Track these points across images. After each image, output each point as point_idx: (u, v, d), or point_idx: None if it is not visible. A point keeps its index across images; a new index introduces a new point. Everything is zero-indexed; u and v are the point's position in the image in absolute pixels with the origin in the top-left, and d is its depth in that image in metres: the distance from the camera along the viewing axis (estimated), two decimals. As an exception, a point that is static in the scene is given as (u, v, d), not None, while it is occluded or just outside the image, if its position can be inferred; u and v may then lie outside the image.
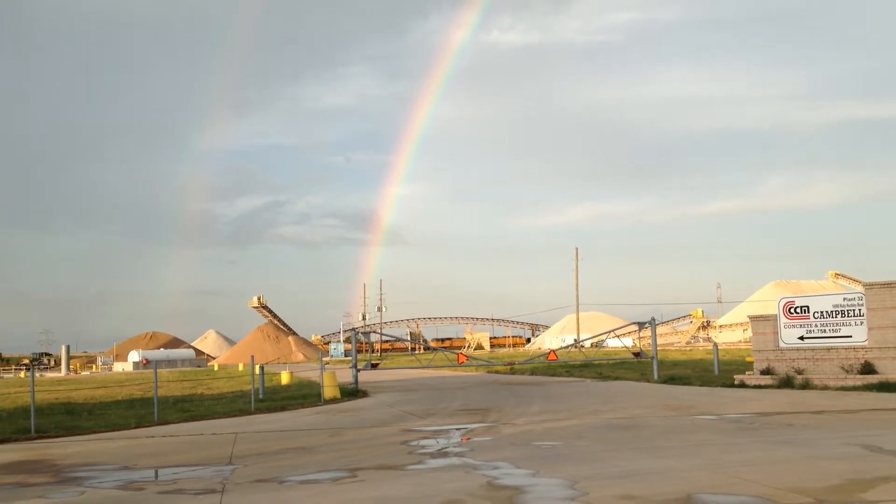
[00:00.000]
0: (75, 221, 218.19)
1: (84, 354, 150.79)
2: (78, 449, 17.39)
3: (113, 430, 20.85)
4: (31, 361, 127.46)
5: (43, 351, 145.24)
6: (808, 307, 27.68)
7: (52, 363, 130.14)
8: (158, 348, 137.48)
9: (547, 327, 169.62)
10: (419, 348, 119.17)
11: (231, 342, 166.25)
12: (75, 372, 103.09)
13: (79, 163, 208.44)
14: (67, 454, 16.56)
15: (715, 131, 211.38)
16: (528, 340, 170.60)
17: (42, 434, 20.08)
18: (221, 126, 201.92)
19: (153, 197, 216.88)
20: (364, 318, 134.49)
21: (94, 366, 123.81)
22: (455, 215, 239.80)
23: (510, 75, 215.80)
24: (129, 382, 52.23)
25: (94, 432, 20.56)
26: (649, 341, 38.11)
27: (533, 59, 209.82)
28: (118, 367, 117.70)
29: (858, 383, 24.91)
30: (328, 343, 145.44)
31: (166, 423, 22.24)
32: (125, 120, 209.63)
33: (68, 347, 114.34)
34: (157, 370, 26.50)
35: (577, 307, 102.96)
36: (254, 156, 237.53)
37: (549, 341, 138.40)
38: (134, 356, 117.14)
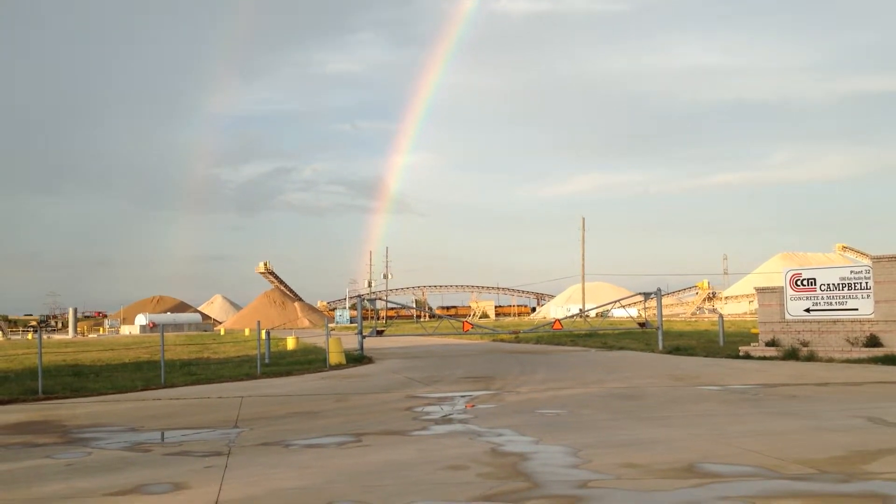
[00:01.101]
0: (82, 185, 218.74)
1: (93, 315, 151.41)
2: (85, 410, 17.52)
3: (120, 393, 20.99)
4: (38, 323, 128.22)
5: (50, 313, 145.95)
6: (814, 279, 27.63)
7: (60, 325, 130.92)
8: (165, 312, 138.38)
9: (552, 297, 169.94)
10: (424, 316, 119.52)
11: (237, 307, 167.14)
12: (82, 334, 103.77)
13: (85, 127, 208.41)
14: (75, 415, 16.68)
15: (723, 103, 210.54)
16: (534, 310, 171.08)
17: (49, 395, 20.22)
18: (228, 91, 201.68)
19: (160, 161, 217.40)
20: (370, 286, 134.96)
21: (101, 328, 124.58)
22: (461, 184, 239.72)
23: (518, 44, 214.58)
24: (136, 345, 52.56)
25: (102, 394, 20.69)
26: (654, 312, 38.13)
27: (541, 28, 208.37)
28: (125, 330, 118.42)
29: (864, 356, 24.92)
30: (334, 309, 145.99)
31: (173, 386, 22.38)
32: (132, 84, 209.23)
33: (76, 310, 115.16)
34: (164, 334, 26.62)
35: (583, 277, 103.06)
36: (260, 122, 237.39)
37: (555, 311, 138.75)
38: (141, 319, 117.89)
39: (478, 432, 12.90)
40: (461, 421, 14.42)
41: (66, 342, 70.30)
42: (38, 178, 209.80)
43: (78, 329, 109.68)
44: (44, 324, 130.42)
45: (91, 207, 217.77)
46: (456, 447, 11.57)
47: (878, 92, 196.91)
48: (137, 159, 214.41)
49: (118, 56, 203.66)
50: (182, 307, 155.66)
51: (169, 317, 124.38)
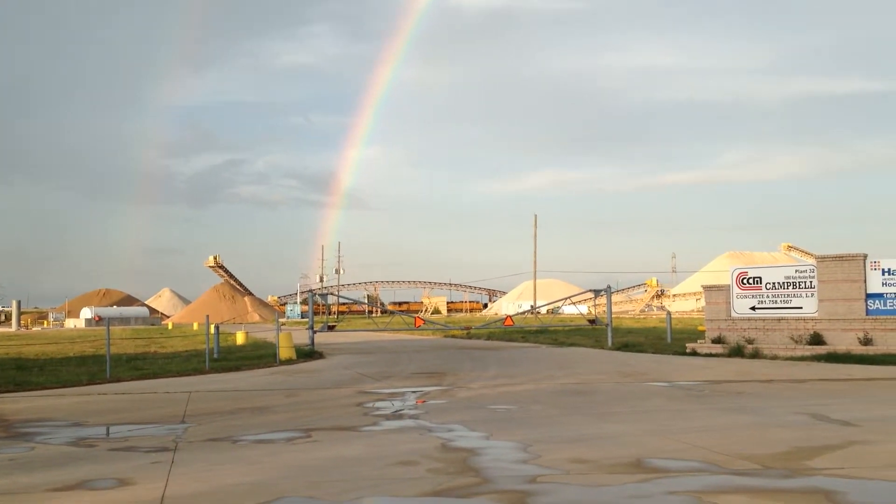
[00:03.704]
0: (28, 175, 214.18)
1: (35, 310, 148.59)
2: (28, 405, 17.16)
3: (64, 387, 20.59)
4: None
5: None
6: (760, 278, 28.12)
7: (3, 318, 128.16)
8: (112, 305, 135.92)
9: (504, 293, 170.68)
10: (377, 311, 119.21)
11: (186, 301, 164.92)
12: (26, 327, 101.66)
13: (32, 116, 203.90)
14: (18, 410, 16.33)
15: (677, 102, 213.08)
16: (486, 306, 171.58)
17: (-9, 389, 19.76)
18: (180, 81, 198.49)
19: (108, 152, 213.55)
20: (322, 280, 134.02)
21: (45, 322, 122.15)
22: (415, 179, 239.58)
23: (473, 40, 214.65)
24: (81, 339, 51.63)
25: (45, 388, 20.29)
26: (604, 309, 38.50)
27: (497, 24, 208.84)
28: (70, 323, 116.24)
29: (807, 353, 25.43)
30: (285, 304, 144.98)
31: (119, 380, 22.02)
32: (80, 73, 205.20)
33: (19, 303, 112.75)
34: (110, 327, 26.17)
35: (535, 274, 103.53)
36: (212, 113, 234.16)
37: (506, 307, 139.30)
38: (86, 313, 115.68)
39: (428, 428, 12.90)
40: (412, 416, 14.41)
41: (9, 335, 68.81)
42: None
43: (21, 322, 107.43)
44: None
45: (38, 198, 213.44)
46: (406, 443, 11.56)
47: (826, 94, 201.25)
48: (85, 150, 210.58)
49: (68, 44, 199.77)
50: (129, 301, 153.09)
51: (115, 310, 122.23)
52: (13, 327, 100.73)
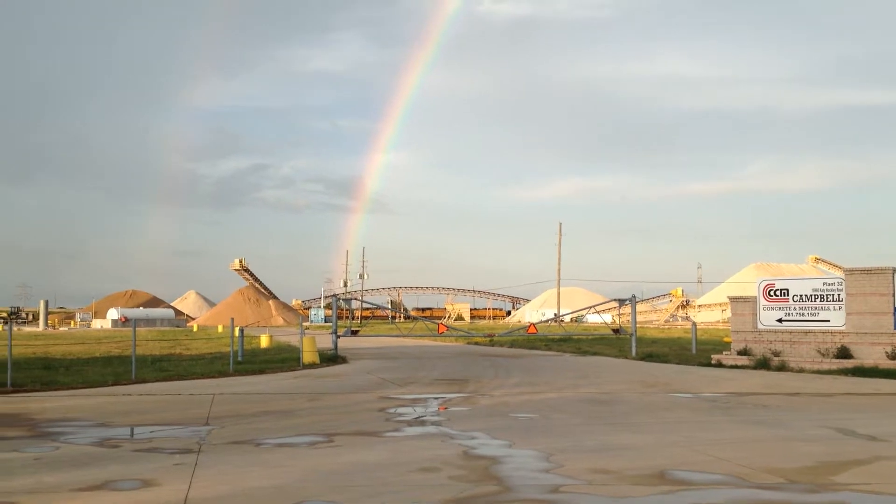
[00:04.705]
0: (57, 176, 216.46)
1: (62, 310, 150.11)
2: (54, 404, 17.32)
3: (90, 387, 20.76)
4: (8, 315, 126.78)
5: (18, 305, 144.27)
6: (787, 290, 27.87)
7: (30, 318, 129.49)
8: (138, 307, 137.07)
9: (527, 301, 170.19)
10: (400, 317, 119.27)
11: (211, 304, 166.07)
12: (53, 327, 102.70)
13: (62, 117, 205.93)
14: (44, 409, 16.49)
15: (703, 111, 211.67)
16: (509, 313, 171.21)
17: (18, 388, 19.96)
18: (208, 85, 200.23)
19: (137, 154, 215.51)
20: (345, 285, 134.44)
21: (72, 322, 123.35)
22: (440, 185, 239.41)
23: (500, 47, 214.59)
24: (108, 340, 52.07)
25: (71, 388, 20.48)
26: (629, 318, 38.33)
27: (523, 32, 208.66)
28: (97, 323, 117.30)
29: (834, 367, 25.15)
30: (308, 308, 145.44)
31: (143, 381, 22.18)
32: (111, 74, 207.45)
33: (47, 302, 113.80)
34: (136, 329, 26.38)
35: (559, 282, 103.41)
36: (239, 117, 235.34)
37: (530, 315, 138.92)
38: (113, 314, 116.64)
39: (450, 435, 12.88)
40: (434, 423, 14.40)
41: (36, 335, 69.53)
42: (10, 168, 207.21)
43: (48, 322, 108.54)
44: (14, 315, 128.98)
45: (65, 198, 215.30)
46: (428, 449, 11.55)
47: (856, 105, 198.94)
48: (114, 151, 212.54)
49: (97, 44, 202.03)
50: (155, 302, 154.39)
51: (141, 312, 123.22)
52: (40, 327, 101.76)
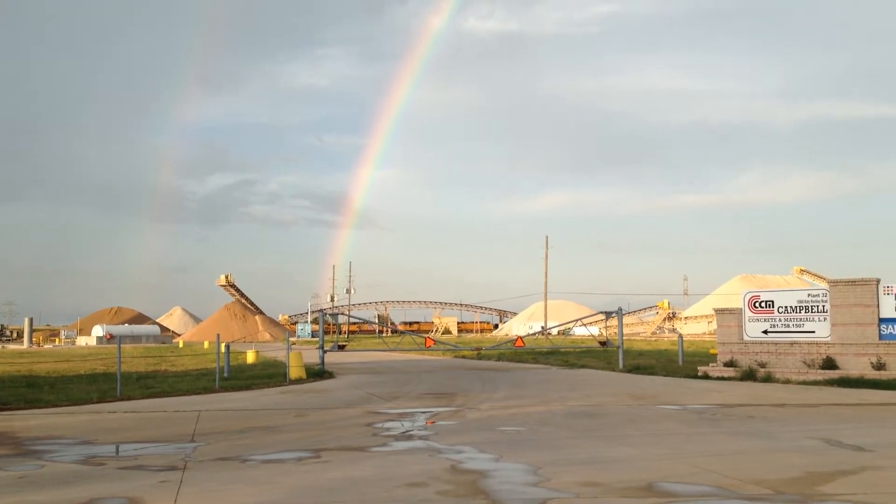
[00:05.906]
0: (42, 192, 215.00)
1: (47, 328, 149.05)
2: (39, 422, 17.19)
3: (75, 405, 20.62)
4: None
5: (3, 323, 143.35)
6: (772, 302, 27.98)
7: (15, 335, 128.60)
8: (123, 323, 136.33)
9: (515, 314, 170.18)
10: (387, 331, 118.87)
11: (197, 320, 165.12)
12: (38, 345, 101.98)
13: (47, 133, 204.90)
14: (28, 427, 16.37)
15: (689, 125, 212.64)
16: (496, 326, 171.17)
17: (3, 406, 19.82)
18: (194, 101, 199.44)
19: (122, 170, 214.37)
20: (332, 300, 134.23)
21: (56, 339, 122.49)
22: (427, 200, 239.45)
23: (487, 62, 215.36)
24: (92, 357, 51.74)
25: (56, 406, 20.33)
26: (615, 330, 38.38)
27: (510, 47, 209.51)
28: (81, 341, 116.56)
29: (820, 378, 25.25)
30: (295, 323, 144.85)
31: (129, 398, 22.04)
32: (96, 90, 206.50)
33: (31, 320, 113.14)
34: (121, 345, 26.23)
35: (546, 295, 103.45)
36: (226, 133, 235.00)
37: (517, 328, 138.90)
38: (98, 331, 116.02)
39: (438, 449, 12.85)
40: (421, 437, 14.36)
41: (20, 352, 69.03)
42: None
43: (33, 339, 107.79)
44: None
45: (52, 215, 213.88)
46: (416, 464, 11.52)
47: (841, 117, 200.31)
48: (99, 167, 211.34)
49: (85, 62, 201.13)
50: (140, 318, 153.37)
51: (126, 328, 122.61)
52: (25, 344, 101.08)
